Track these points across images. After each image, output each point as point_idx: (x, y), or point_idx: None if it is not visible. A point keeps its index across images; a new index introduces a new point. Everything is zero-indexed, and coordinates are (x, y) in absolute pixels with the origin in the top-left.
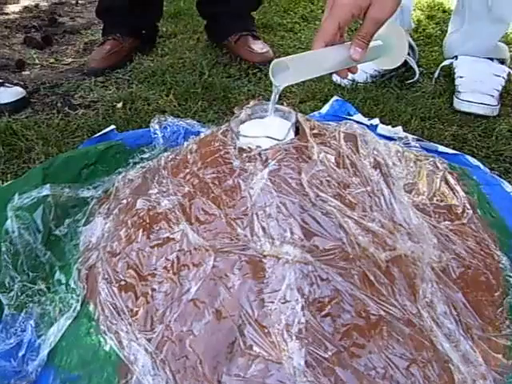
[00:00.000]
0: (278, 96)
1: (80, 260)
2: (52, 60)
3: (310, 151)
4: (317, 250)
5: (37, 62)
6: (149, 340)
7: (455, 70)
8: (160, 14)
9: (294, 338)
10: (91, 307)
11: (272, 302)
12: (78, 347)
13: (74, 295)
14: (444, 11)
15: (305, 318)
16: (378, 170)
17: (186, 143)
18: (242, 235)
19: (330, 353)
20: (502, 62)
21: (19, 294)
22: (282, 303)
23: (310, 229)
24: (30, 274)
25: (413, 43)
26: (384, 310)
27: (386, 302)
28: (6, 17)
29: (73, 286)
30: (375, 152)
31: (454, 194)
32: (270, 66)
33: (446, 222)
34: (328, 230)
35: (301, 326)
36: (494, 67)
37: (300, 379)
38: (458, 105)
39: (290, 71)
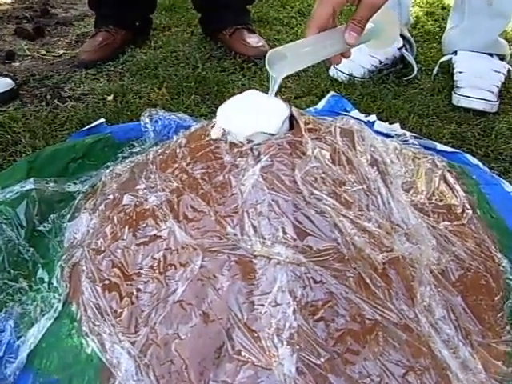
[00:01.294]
0: (276, 87)
1: (63, 257)
2: (43, 51)
3: (304, 146)
4: (310, 250)
5: (27, 53)
6: (132, 343)
7: (454, 66)
8: (154, 6)
9: (284, 343)
10: (73, 307)
11: (262, 305)
12: (59, 349)
13: (56, 294)
14: (443, 8)
15: (296, 322)
16: (375, 168)
17: (175, 137)
18: (231, 234)
19: (322, 359)
20: (502, 58)
21: None
22: (273, 306)
23: (304, 228)
24: (12, 271)
25: (411, 39)
26: (380, 315)
27: (382, 305)
28: None
29: (55, 284)
30: (372, 149)
31: (453, 193)
32: (267, 56)
33: (445, 223)
34: (322, 229)
35: (292, 330)
36: (494, 63)
37: None
38: (457, 100)
39: (287, 61)
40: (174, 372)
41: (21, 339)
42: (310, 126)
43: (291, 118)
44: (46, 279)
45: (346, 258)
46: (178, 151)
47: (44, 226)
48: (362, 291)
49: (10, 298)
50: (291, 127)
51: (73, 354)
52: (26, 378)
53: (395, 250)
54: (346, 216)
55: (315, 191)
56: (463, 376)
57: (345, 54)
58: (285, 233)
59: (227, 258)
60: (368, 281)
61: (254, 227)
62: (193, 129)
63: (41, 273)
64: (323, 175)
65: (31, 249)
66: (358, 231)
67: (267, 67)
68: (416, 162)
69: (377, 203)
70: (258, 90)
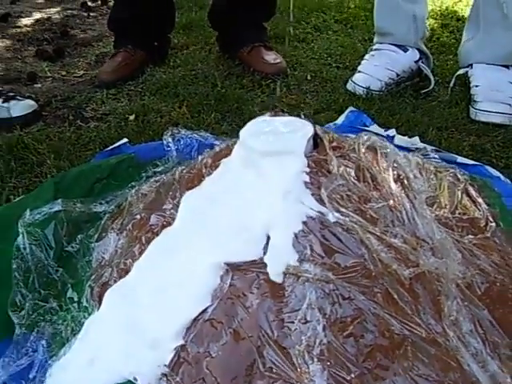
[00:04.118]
0: None
1: (93, 277)
2: (64, 72)
3: (329, 165)
4: (338, 267)
5: (48, 74)
6: None
7: (470, 79)
8: (172, 25)
9: (315, 359)
10: None
11: (292, 322)
12: None
13: (86, 314)
14: (458, 19)
15: (326, 338)
16: (399, 184)
17: (200, 156)
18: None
19: (353, 375)
20: None
21: (30, 312)
22: (303, 323)
23: (331, 245)
24: (42, 291)
25: (427, 52)
26: (408, 330)
27: (410, 320)
28: (18, 30)
29: (85, 304)
30: (395, 165)
31: (476, 206)
32: None
33: (470, 236)
34: (349, 246)
35: (322, 347)
36: (510, 75)
37: None
38: (475, 114)
39: None
40: None
41: (53, 359)
42: (334, 143)
43: (315, 136)
44: (76, 299)
45: (374, 274)
46: (203, 171)
47: (72, 247)
48: (390, 306)
49: (41, 317)
50: (315, 145)
51: None
52: None
53: (421, 264)
54: (372, 232)
55: (341, 209)
56: None
57: None
58: (312, 250)
59: (256, 276)
60: (395, 296)
61: None
62: (217, 148)
63: (70, 293)
64: (349, 192)
65: (60, 269)
66: (385, 247)
67: None
68: (438, 177)
69: (402, 219)
70: (276, 106)
